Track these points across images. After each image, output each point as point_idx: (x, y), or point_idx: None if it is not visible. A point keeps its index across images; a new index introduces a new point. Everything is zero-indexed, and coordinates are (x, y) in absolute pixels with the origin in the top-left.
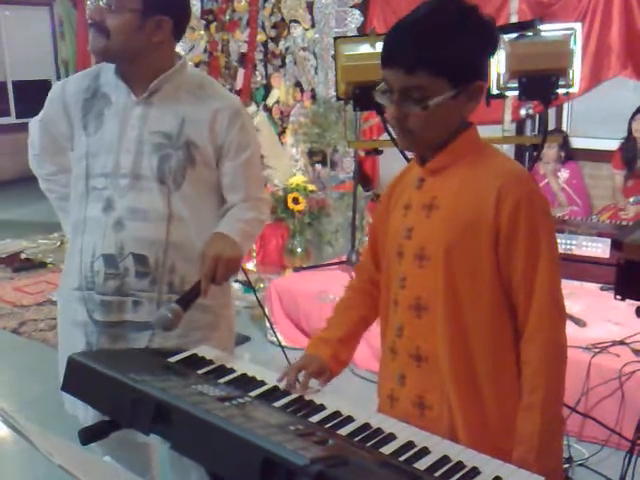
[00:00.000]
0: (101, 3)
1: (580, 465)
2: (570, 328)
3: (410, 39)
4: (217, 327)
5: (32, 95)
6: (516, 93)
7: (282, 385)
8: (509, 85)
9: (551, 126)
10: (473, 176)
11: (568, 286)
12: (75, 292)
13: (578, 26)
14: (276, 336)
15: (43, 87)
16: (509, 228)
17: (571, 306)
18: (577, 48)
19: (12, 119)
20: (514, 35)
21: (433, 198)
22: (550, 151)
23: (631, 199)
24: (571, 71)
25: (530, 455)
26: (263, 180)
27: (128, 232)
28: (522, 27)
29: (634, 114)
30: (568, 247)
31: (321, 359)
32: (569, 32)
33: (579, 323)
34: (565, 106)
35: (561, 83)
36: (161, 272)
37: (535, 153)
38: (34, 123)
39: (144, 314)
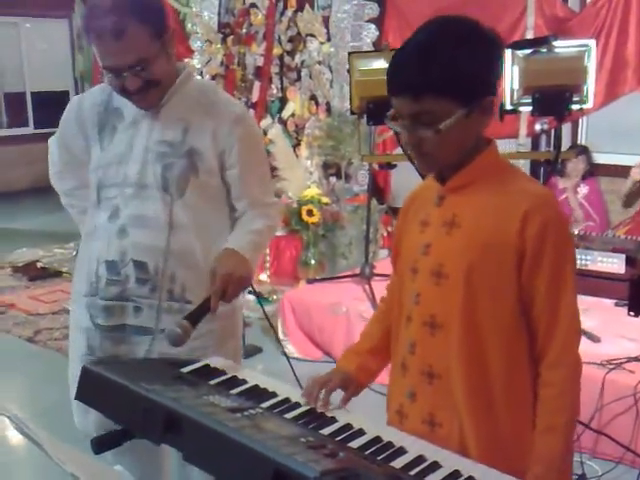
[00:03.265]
0: None
1: None
2: (584, 344)
3: (413, 65)
4: (222, 335)
5: (50, 106)
6: (530, 109)
7: (304, 401)
8: (523, 100)
9: (567, 141)
10: (497, 196)
11: (583, 302)
12: (83, 299)
13: (592, 43)
14: (284, 352)
15: (61, 98)
16: (536, 249)
17: (585, 321)
18: (591, 65)
19: (30, 129)
20: (528, 51)
21: (454, 216)
22: (579, 166)
23: None
24: (585, 87)
25: (551, 475)
26: (271, 185)
27: (130, 239)
28: (536, 43)
29: None
30: (583, 262)
31: (346, 371)
32: (583, 49)
33: (593, 339)
34: (581, 121)
35: (575, 99)
36: (161, 279)
37: (557, 167)
38: (53, 140)
39: (145, 319)
